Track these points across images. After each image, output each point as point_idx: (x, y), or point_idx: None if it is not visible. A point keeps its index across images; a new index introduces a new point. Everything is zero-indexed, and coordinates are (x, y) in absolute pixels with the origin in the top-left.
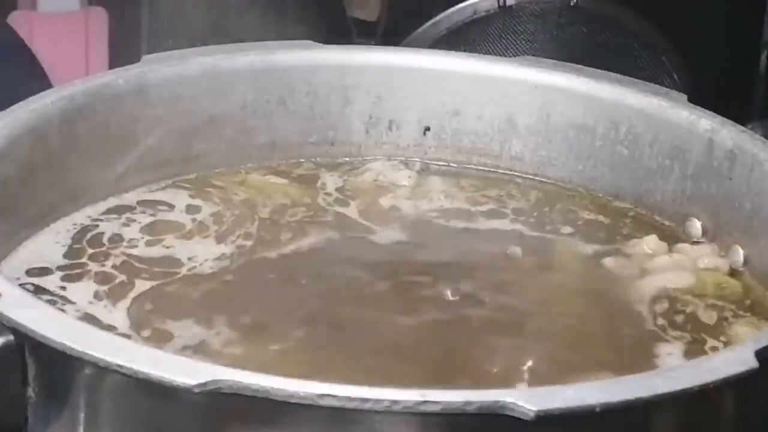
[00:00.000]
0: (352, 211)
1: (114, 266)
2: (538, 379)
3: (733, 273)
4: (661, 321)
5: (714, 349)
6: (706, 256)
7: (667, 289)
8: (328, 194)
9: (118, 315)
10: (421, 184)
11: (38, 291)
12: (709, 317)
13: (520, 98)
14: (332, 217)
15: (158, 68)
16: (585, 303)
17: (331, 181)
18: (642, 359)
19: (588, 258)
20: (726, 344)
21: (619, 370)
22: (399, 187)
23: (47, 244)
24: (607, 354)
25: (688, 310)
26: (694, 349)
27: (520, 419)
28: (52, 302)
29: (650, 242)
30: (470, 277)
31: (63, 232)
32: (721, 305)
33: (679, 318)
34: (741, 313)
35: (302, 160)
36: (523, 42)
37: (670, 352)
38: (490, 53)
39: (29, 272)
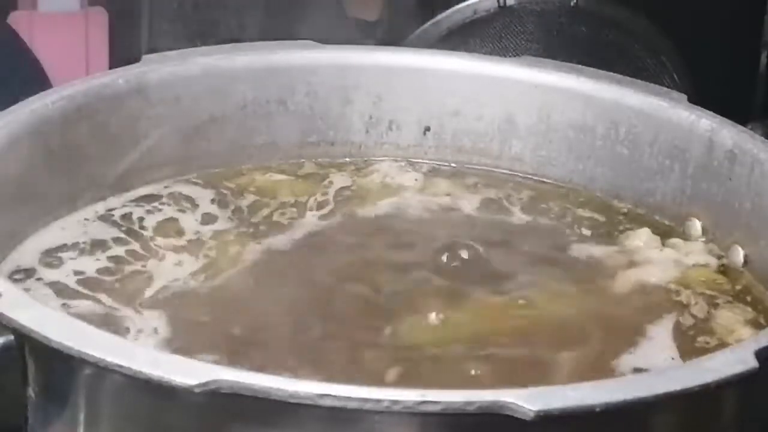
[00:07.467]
0: (356, 210)
1: (110, 258)
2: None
3: (724, 271)
4: (645, 310)
5: (700, 339)
6: (696, 253)
7: (652, 282)
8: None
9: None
10: (427, 186)
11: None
12: (699, 309)
13: (520, 98)
14: (338, 216)
15: (158, 68)
16: (573, 291)
17: (338, 181)
18: (625, 347)
19: (582, 250)
20: (713, 334)
21: (601, 357)
22: (406, 188)
23: (47, 244)
24: (590, 339)
25: (674, 299)
26: (679, 340)
27: (520, 419)
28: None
29: (642, 235)
30: (469, 271)
31: (63, 230)
32: (711, 294)
33: (665, 308)
34: (738, 305)
35: (302, 160)
36: (523, 42)
37: (653, 338)
38: (490, 53)
39: (29, 270)
